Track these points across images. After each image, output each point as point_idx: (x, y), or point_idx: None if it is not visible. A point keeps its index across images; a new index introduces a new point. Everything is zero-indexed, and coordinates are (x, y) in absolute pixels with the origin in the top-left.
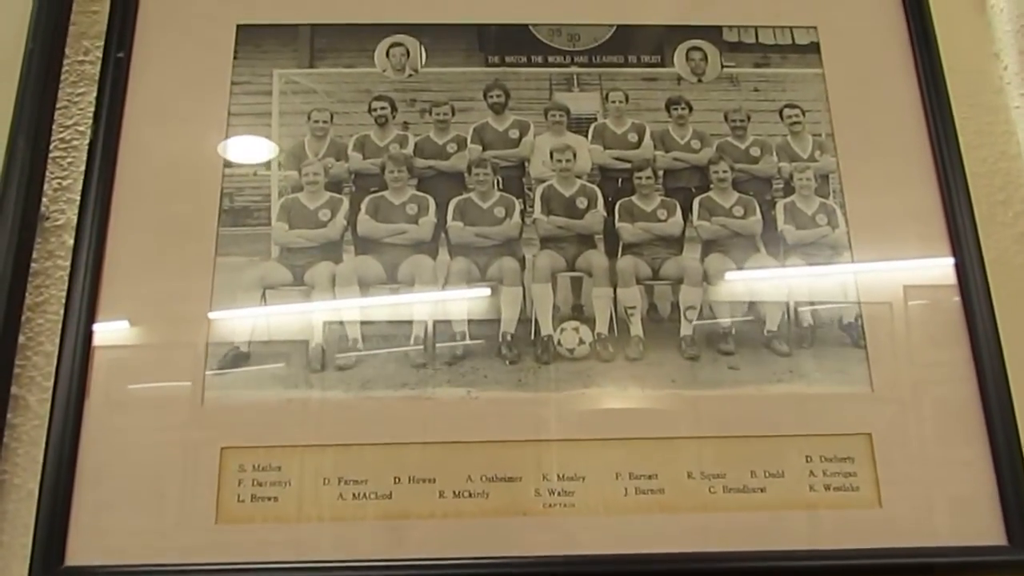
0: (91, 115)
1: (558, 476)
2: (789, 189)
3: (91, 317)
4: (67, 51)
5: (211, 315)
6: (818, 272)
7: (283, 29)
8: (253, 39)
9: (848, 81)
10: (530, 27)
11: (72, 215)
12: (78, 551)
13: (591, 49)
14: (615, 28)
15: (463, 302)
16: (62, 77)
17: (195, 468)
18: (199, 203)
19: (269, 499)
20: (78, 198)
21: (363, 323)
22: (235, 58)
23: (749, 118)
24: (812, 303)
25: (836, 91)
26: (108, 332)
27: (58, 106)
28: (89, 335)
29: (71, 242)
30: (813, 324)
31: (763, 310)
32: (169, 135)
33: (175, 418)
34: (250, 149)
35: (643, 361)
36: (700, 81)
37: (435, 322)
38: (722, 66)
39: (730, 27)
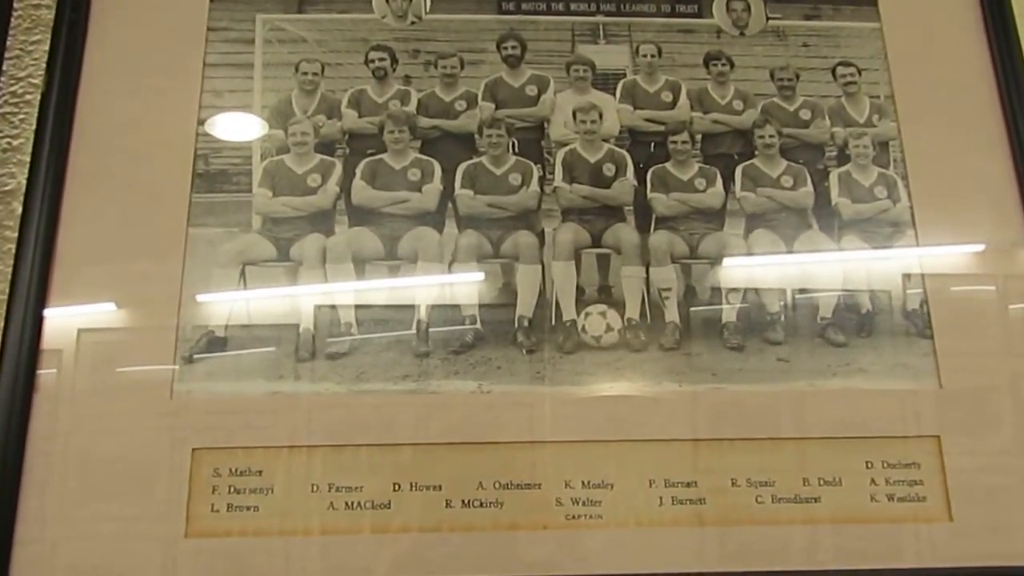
0: (46, 65)
1: (583, 483)
2: (844, 157)
3: (41, 299)
4: None
5: (182, 295)
6: (878, 252)
7: None
8: None
9: (909, 36)
10: None
11: (22, 179)
12: (22, 573)
13: None
14: None
15: (473, 282)
16: (13, 23)
17: (161, 473)
18: (169, 166)
19: (248, 509)
20: (29, 160)
21: (358, 305)
22: (212, 0)
23: (798, 77)
24: (871, 287)
25: (896, 47)
26: (60, 316)
27: (8, 56)
28: (39, 319)
29: (20, 210)
30: (872, 311)
31: (816, 294)
32: (134, 88)
33: (138, 415)
34: (229, 105)
35: (679, 351)
36: (743, 34)
37: (441, 305)
38: (767, 18)
39: None
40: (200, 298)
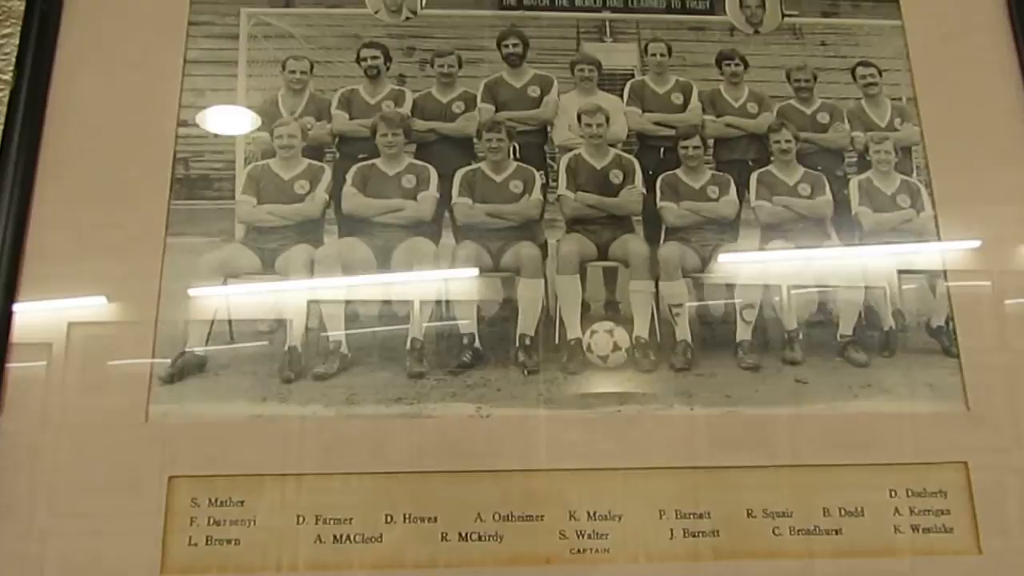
0: (15, 60)
1: (588, 514)
2: (864, 164)
3: (7, 309)
4: None
5: (159, 310)
6: (900, 264)
7: None
8: None
9: (932, 35)
10: None
11: None
12: None
13: None
14: None
15: (471, 297)
16: None
17: (136, 502)
18: (146, 170)
19: (228, 542)
20: None
21: (348, 321)
22: None
23: (815, 77)
24: (893, 302)
25: (918, 47)
26: (27, 329)
27: None
28: (4, 331)
29: None
30: (895, 327)
31: (836, 310)
32: (110, 85)
33: (112, 439)
34: (211, 105)
35: (691, 372)
36: (757, 32)
37: (437, 321)
38: (783, 15)
39: None
40: (178, 312)
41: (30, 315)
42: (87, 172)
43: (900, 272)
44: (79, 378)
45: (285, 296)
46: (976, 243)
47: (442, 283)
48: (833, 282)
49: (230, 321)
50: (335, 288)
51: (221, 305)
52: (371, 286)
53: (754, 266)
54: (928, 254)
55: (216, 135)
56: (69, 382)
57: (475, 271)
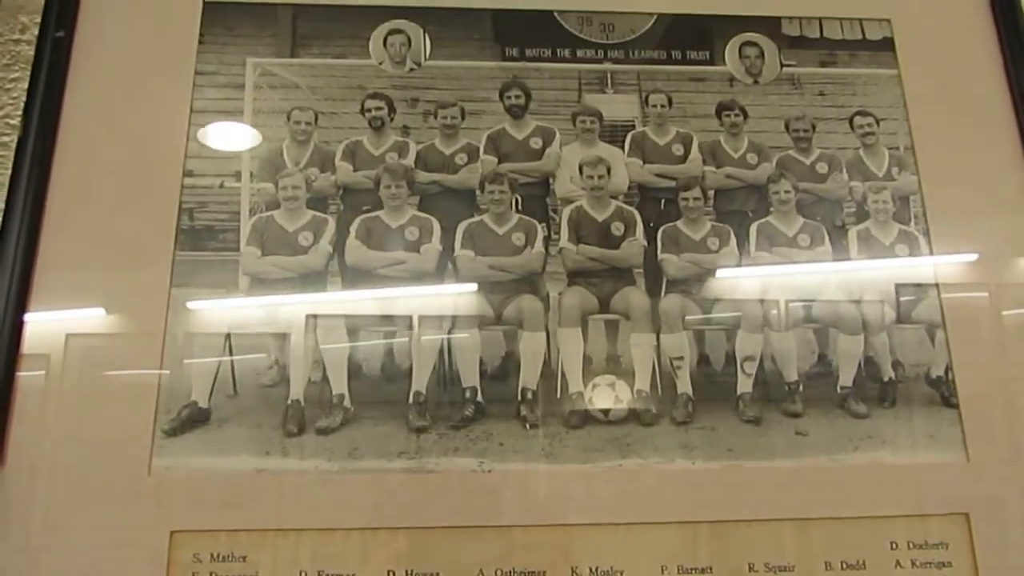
0: (24, 105)
1: (591, 570)
2: (863, 213)
3: (12, 360)
4: (0, 27)
5: (163, 360)
6: (900, 315)
7: (259, 9)
8: (223, 20)
9: (928, 84)
10: (555, 14)
11: None
12: None
13: (628, 42)
14: (655, 17)
15: (473, 350)
16: None
17: (137, 557)
18: (151, 220)
19: None
20: (2, 206)
21: (351, 375)
22: (200, 42)
23: (814, 127)
24: (893, 353)
25: (915, 96)
26: (31, 379)
27: None
28: (9, 380)
29: None
30: (895, 379)
31: (835, 361)
32: (116, 135)
33: (114, 492)
34: (216, 155)
35: (693, 425)
36: (756, 82)
37: (439, 375)
38: (781, 65)
39: (790, 19)
40: (183, 364)
41: (32, 383)
42: (93, 220)
43: (897, 321)
44: (81, 430)
45: (288, 348)
46: (975, 293)
47: (445, 336)
48: (832, 330)
49: (234, 373)
50: (339, 341)
51: (225, 358)
52: (374, 340)
53: (756, 319)
54: (927, 303)
55: (221, 186)
56: (70, 435)
57: (478, 325)
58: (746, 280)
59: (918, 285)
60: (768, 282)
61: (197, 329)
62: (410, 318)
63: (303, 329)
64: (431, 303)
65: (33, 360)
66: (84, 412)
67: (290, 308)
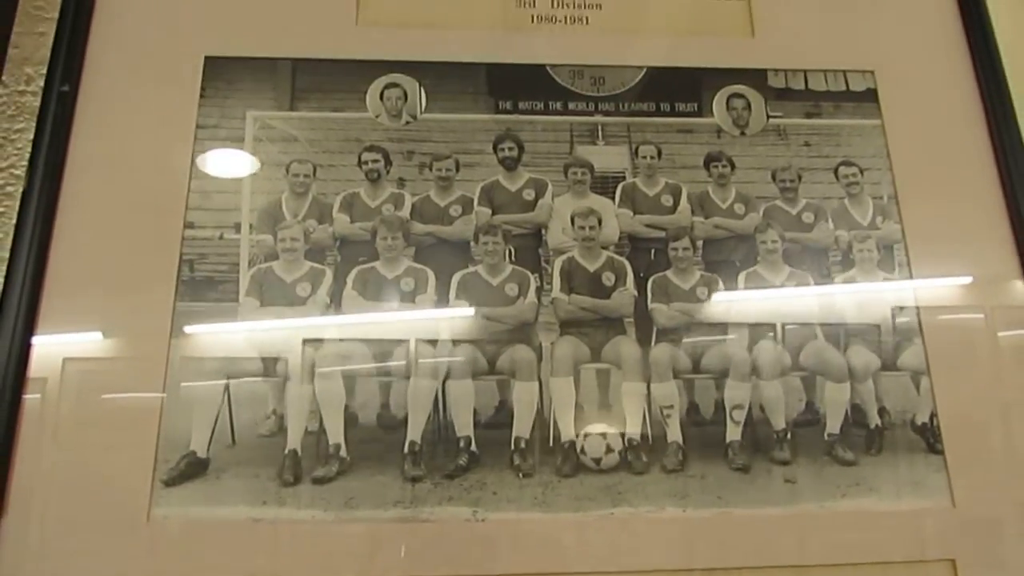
0: (29, 157)
1: None
2: (848, 262)
3: (15, 412)
4: (5, 78)
5: (162, 410)
6: (885, 362)
7: (259, 63)
8: (224, 74)
9: (911, 133)
10: (548, 68)
11: None
12: None
13: (618, 95)
14: (645, 71)
15: (468, 400)
16: None
17: None
18: (153, 271)
19: None
20: (7, 256)
21: (347, 425)
22: (202, 96)
23: (800, 177)
24: (879, 400)
25: (898, 145)
26: (32, 427)
27: None
28: (11, 431)
29: None
30: (881, 425)
31: (823, 408)
32: (120, 187)
33: (113, 540)
34: (216, 206)
35: (683, 473)
36: (743, 134)
37: (434, 424)
38: (768, 116)
39: (776, 71)
40: (182, 413)
41: (33, 442)
42: (96, 272)
43: (883, 368)
44: (80, 477)
45: (286, 398)
46: (958, 341)
47: (440, 386)
48: (819, 378)
49: (232, 423)
50: (335, 391)
51: (223, 408)
52: (370, 388)
53: (744, 368)
54: (910, 351)
55: (221, 237)
56: (72, 480)
57: (472, 374)
58: (734, 328)
59: (902, 332)
60: (756, 330)
61: (197, 380)
62: (406, 365)
63: (301, 379)
64: (427, 351)
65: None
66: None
67: (289, 356)
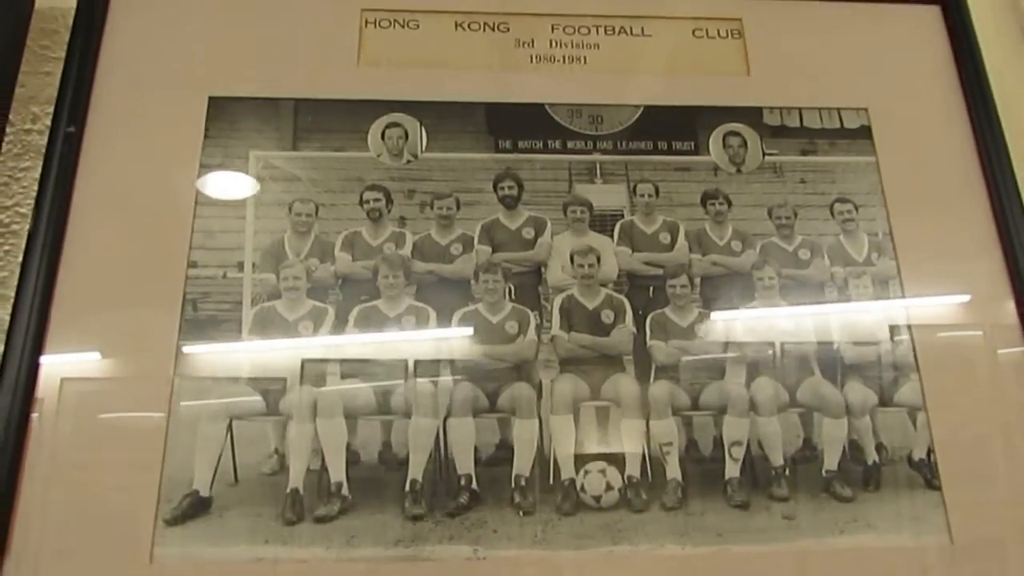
0: (35, 195)
1: None
2: (844, 298)
3: (18, 454)
4: (12, 117)
5: (165, 450)
6: (882, 398)
7: (263, 104)
8: (227, 114)
9: (904, 170)
10: (547, 107)
11: (4, 315)
12: None
13: (616, 133)
14: (642, 109)
15: (468, 438)
16: (4, 148)
17: None
18: (157, 310)
19: None
20: (13, 295)
21: (349, 463)
22: (206, 136)
23: (796, 214)
24: (876, 436)
25: (892, 182)
26: (37, 469)
27: None
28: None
29: (1, 349)
30: (879, 461)
31: (820, 445)
32: (125, 227)
33: None
34: (220, 246)
35: (683, 510)
36: (739, 171)
37: (435, 462)
38: (764, 154)
39: (771, 109)
40: (185, 453)
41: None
42: (102, 311)
43: (880, 404)
44: (83, 515)
45: (289, 436)
46: (954, 376)
47: (440, 424)
48: (817, 414)
49: (235, 462)
50: (337, 430)
51: (226, 446)
52: (372, 427)
53: (742, 404)
54: (906, 386)
55: (224, 276)
56: (75, 520)
57: (472, 412)
58: (732, 364)
59: (897, 368)
60: (754, 366)
61: (200, 418)
62: (407, 403)
63: (303, 417)
64: (427, 394)
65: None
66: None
67: (289, 397)
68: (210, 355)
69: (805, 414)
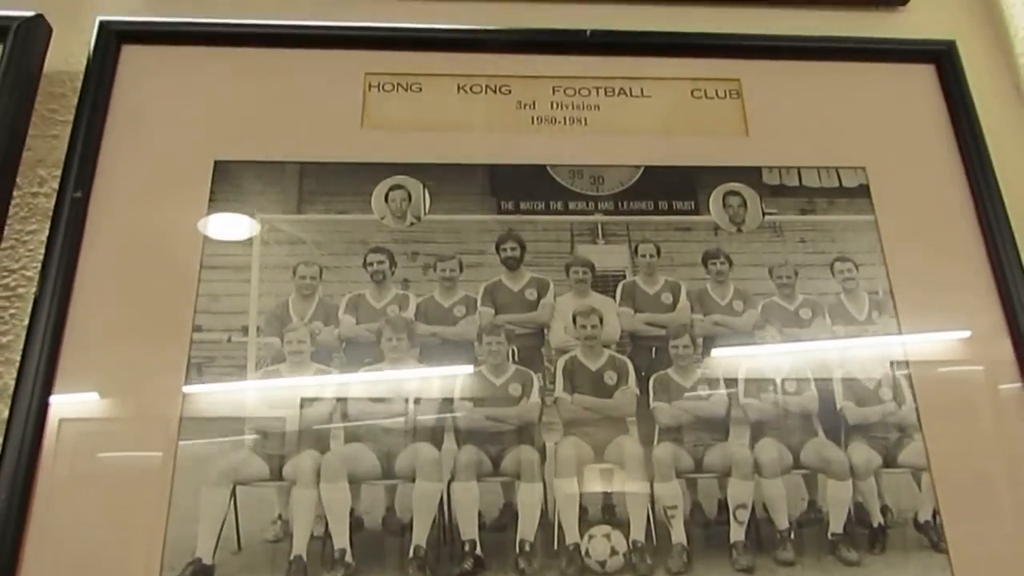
0: (41, 258)
1: None
2: (847, 358)
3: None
4: (19, 180)
5: (169, 515)
6: (886, 459)
7: (267, 167)
8: (233, 178)
9: (903, 228)
10: (548, 168)
11: (10, 380)
12: None
13: (617, 194)
14: (642, 170)
15: (472, 503)
16: (11, 211)
17: None
18: (162, 376)
19: None
20: (18, 359)
21: (353, 529)
22: (211, 200)
23: (797, 273)
24: (881, 498)
25: (891, 240)
26: (38, 547)
27: (3, 245)
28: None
29: (5, 413)
30: (884, 524)
31: (825, 507)
32: (130, 290)
33: None
34: (225, 310)
35: (688, 575)
36: (740, 231)
37: (439, 527)
38: (763, 213)
39: (770, 168)
40: (188, 518)
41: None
42: (106, 377)
43: (884, 465)
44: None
45: (292, 504)
46: (958, 436)
47: (444, 488)
48: (821, 475)
49: (238, 529)
50: (341, 495)
51: (230, 513)
52: (376, 492)
53: (746, 466)
54: (910, 447)
55: (229, 340)
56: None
57: (476, 476)
58: (736, 425)
59: (900, 428)
60: (758, 427)
61: (203, 483)
62: (412, 471)
63: (307, 482)
64: (431, 458)
65: None
66: None
67: (294, 462)
68: (214, 420)
69: (809, 476)
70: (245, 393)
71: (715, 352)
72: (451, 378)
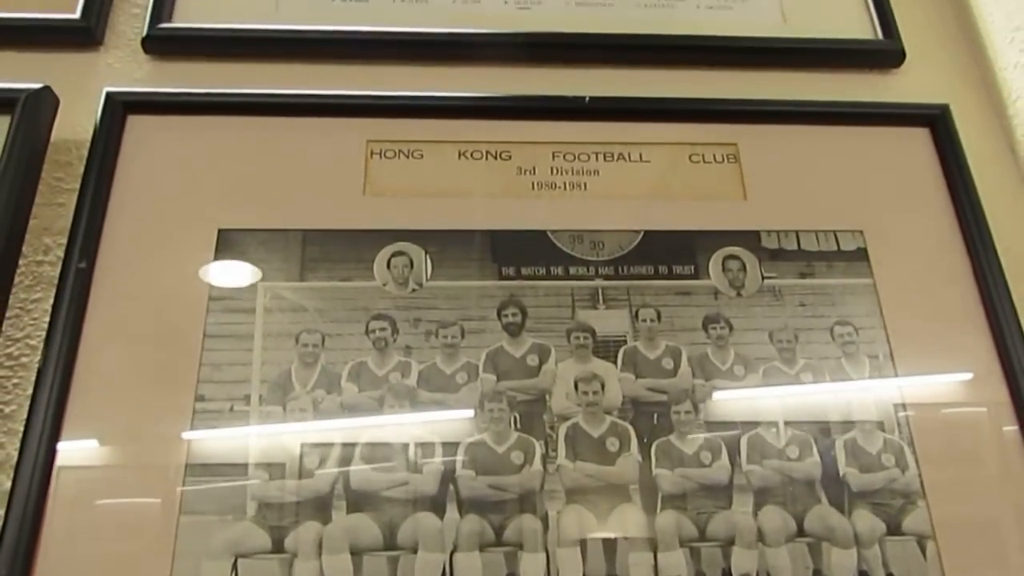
0: (45, 326)
1: None
2: (848, 424)
3: None
4: (24, 248)
5: None
6: (890, 526)
7: (270, 235)
8: (236, 245)
9: (902, 291)
10: (549, 234)
11: (12, 451)
12: None
13: (617, 258)
14: (642, 234)
15: (475, 574)
16: (16, 280)
17: None
18: (163, 447)
19: None
20: (21, 429)
21: None
22: (214, 269)
23: (797, 337)
24: (886, 566)
25: (890, 303)
26: None
27: (8, 314)
28: None
29: (8, 484)
30: None
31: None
32: (133, 360)
33: None
34: (227, 380)
35: None
36: (739, 295)
37: None
38: (763, 277)
39: (768, 232)
40: None
41: None
42: (110, 446)
43: (888, 533)
44: None
45: (295, 574)
46: (962, 502)
47: (447, 559)
48: (825, 544)
49: None
50: (343, 567)
51: None
52: (378, 564)
53: (750, 534)
54: (914, 514)
55: (231, 410)
56: None
57: (479, 546)
58: (739, 492)
59: (905, 495)
60: (760, 493)
61: (204, 556)
62: (415, 541)
63: (309, 554)
64: (434, 528)
65: None
66: None
67: (295, 534)
68: (216, 493)
69: (814, 544)
70: (247, 462)
71: (716, 417)
72: (453, 446)
